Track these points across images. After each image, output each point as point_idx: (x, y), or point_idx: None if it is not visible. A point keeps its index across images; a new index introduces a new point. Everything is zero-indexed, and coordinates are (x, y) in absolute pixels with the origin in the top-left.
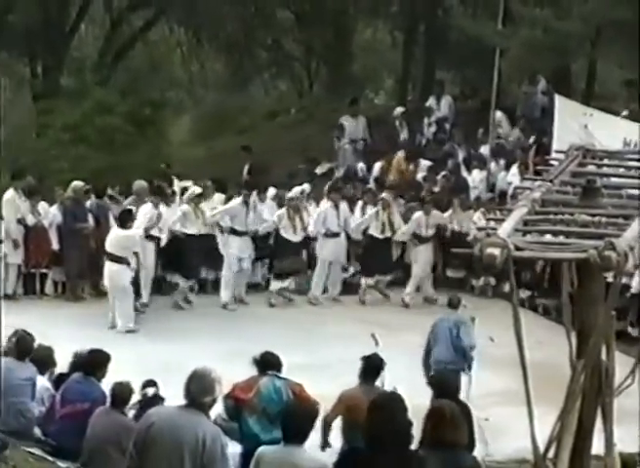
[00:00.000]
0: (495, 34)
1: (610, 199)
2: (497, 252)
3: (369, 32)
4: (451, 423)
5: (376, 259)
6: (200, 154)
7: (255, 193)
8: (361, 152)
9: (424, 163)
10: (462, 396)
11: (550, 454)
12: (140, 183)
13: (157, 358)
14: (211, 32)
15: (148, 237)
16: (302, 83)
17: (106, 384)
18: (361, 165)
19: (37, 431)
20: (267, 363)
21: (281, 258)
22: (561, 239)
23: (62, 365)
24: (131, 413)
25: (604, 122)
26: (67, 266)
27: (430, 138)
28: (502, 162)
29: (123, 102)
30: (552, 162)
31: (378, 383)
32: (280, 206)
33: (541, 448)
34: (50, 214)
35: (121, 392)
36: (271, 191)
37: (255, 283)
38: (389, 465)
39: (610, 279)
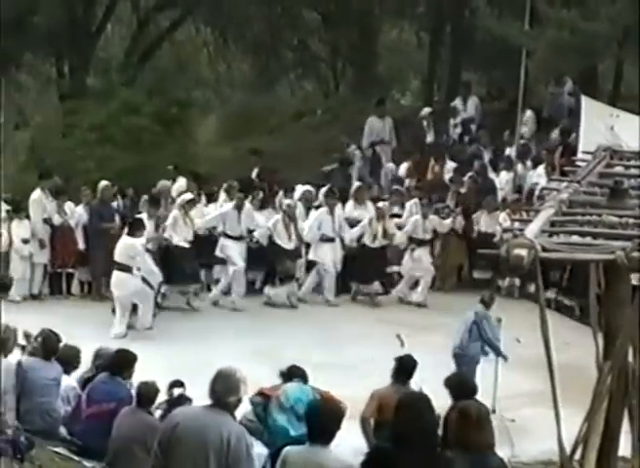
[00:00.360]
0: (521, 35)
1: (637, 200)
2: (524, 253)
3: (395, 33)
4: (476, 424)
5: (366, 267)
6: (227, 154)
7: (260, 197)
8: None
9: (451, 164)
10: (489, 397)
11: (577, 456)
12: (163, 183)
13: (181, 358)
14: (237, 32)
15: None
16: (328, 84)
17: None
18: (391, 165)
19: (63, 431)
20: (294, 375)
21: (277, 264)
22: (588, 240)
23: (88, 364)
24: (157, 413)
25: (630, 123)
26: (93, 266)
27: (456, 139)
28: (529, 163)
29: (149, 102)
30: (579, 163)
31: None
32: (308, 208)
33: (568, 449)
34: (76, 213)
35: (147, 392)
36: (299, 189)
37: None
38: (416, 465)
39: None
